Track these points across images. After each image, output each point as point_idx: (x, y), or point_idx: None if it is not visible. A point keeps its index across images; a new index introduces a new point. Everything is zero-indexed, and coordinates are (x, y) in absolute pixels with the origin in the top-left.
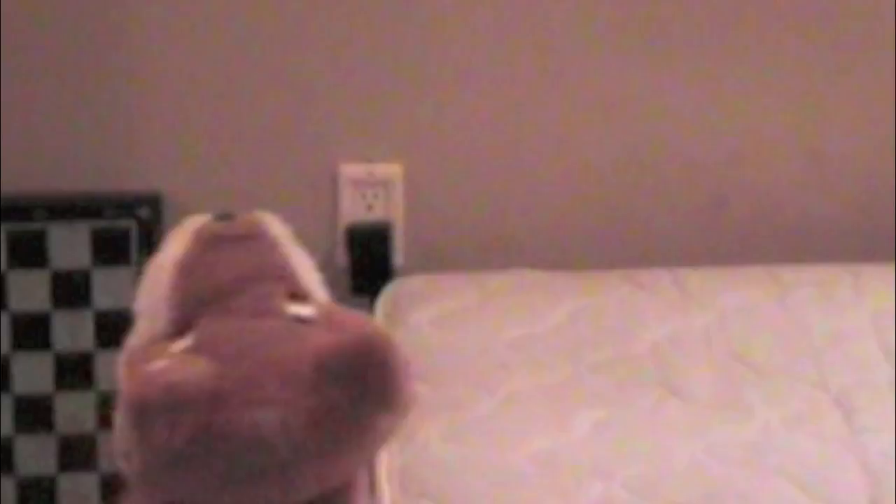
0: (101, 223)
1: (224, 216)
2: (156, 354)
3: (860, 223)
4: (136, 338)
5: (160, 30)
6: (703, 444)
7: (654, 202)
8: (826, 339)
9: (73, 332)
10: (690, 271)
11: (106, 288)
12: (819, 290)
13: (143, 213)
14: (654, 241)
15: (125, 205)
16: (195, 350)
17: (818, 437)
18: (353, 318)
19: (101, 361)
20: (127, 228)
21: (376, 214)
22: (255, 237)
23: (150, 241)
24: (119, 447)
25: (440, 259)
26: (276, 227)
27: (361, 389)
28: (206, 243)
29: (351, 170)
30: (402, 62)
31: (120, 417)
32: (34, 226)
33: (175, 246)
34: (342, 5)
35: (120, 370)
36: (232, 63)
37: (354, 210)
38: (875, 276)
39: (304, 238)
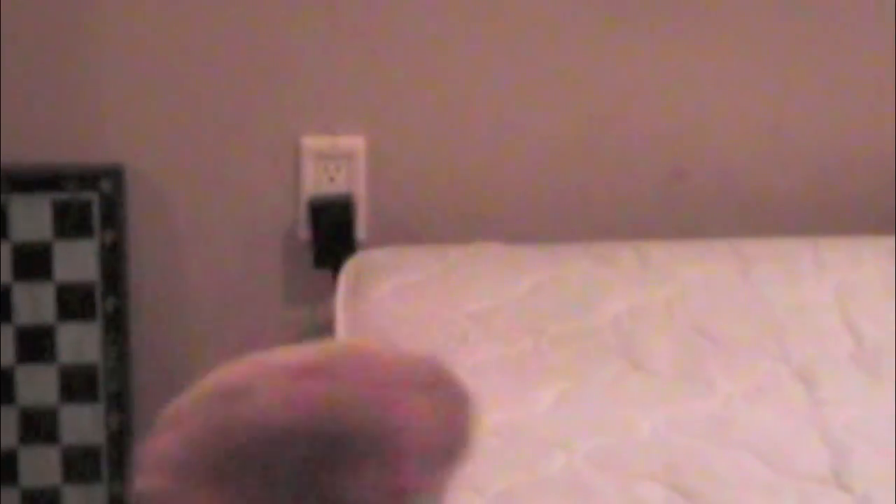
0: (62, 195)
1: None
2: None
3: (820, 196)
4: None
5: (122, 1)
6: (664, 417)
7: (615, 175)
8: (788, 312)
9: (34, 304)
10: (652, 244)
11: (67, 261)
12: (780, 264)
13: (105, 185)
14: (616, 213)
15: (87, 177)
16: None
17: (780, 410)
18: None
19: (63, 334)
20: (89, 201)
21: (339, 187)
22: None
23: (111, 214)
24: None
25: (403, 232)
26: None
27: None
28: None
29: (313, 142)
30: (365, 35)
31: None
32: None
33: None
34: None
35: None
36: (194, 35)
37: (317, 182)
38: (836, 249)
39: (267, 210)
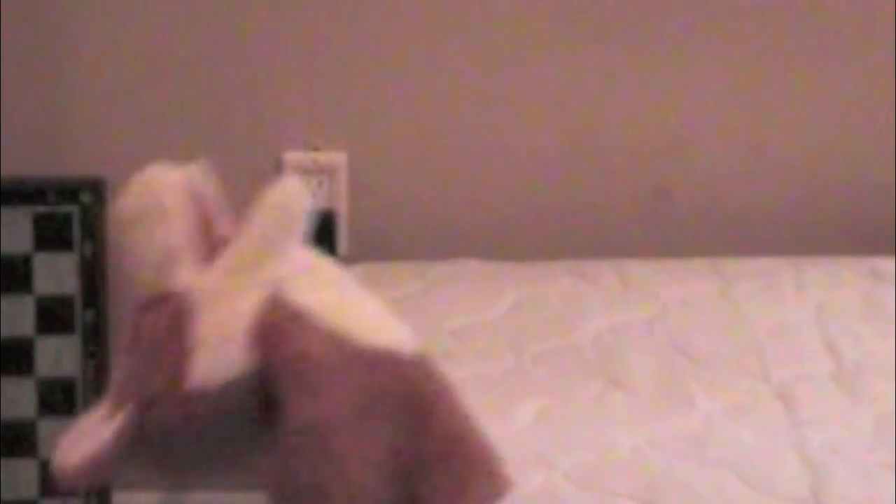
0: (43, 208)
1: None
2: None
3: (802, 216)
4: None
5: (102, 15)
6: (644, 435)
7: (597, 193)
8: (768, 332)
9: (13, 317)
10: (633, 263)
11: (48, 273)
12: (761, 283)
13: (86, 198)
14: (597, 232)
15: (68, 190)
16: None
17: (759, 429)
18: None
19: (41, 347)
20: (69, 213)
21: (320, 203)
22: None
23: (92, 227)
24: None
25: (384, 248)
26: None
27: None
28: None
29: (295, 157)
30: (347, 50)
31: None
32: None
33: None
34: None
35: None
36: (176, 49)
37: None
38: (817, 269)
39: None
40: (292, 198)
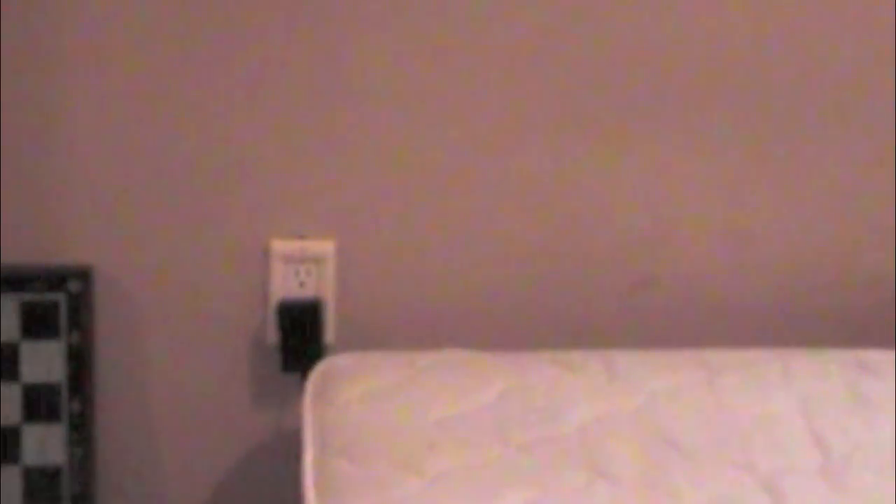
0: (29, 296)
1: None
2: None
3: (788, 307)
4: None
5: (88, 101)
6: None
7: (582, 283)
8: (754, 423)
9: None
10: (619, 353)
11: (34, 361)
12: (748, 374)
13: (73, 286)
14: (583, 321)
15: (55, 278)
16: None
17: None
18: None
19: (27, 435)
20: (56, 301)
21: (308, 291)
22: None
23: (79, 315)
24: None
25: (371, 337)
26: None
27: None
28: None
29: (282, 246)
30: (335, 138)
31: None
32: None
33: None
34: (273, 80)
35: None
36: (163, 136)
37: (286, 286)
38: (804, 361)
39: (235, 314)
40: None
